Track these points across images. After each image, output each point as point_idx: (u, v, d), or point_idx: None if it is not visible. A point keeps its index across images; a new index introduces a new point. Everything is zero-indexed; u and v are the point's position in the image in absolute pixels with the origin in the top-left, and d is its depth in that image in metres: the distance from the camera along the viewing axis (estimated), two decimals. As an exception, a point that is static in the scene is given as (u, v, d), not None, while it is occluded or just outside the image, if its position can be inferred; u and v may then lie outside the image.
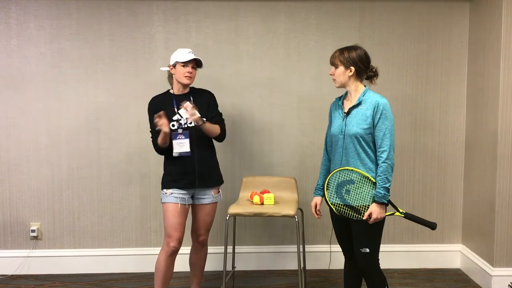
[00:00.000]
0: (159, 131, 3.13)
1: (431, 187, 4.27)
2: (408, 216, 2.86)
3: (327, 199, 2.88)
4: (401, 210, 2.86)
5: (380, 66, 4.12)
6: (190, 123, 3.20)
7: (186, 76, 3.21)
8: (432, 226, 2.85)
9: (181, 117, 3.21)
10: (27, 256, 4.16)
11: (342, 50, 2.83)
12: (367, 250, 2.80)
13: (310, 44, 4.15)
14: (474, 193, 4.07)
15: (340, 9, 4.12)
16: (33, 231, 4.13)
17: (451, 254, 4.31)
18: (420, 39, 4.16)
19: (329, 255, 4.14)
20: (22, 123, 4.09)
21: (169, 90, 3.35)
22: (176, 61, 3.21)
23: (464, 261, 4.22)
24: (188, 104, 3.09)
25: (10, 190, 4.13)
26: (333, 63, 2.87)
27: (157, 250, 4.07)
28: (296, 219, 3.33)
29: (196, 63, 3.25)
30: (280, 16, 4.12)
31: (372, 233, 2.81)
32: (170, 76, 3.35)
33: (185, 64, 3.19)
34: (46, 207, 4.16)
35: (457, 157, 4.25)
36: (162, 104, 3.24)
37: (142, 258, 4.20)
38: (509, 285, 3.70)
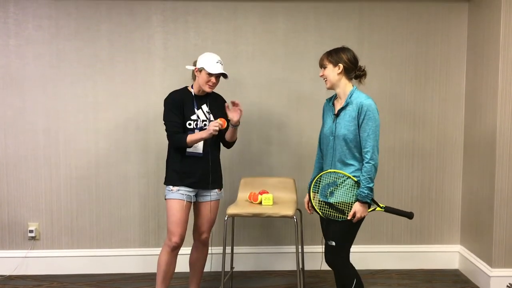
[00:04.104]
0: (177, 126, 3.19)
1: (429, 187, 4.27)
2: (388, 210, 2.90)
3: (314, 204, 2.91)
4: (381, 205, 2.89)
5: (378, 66, 4.14)
6: (205, 125, 3.27)
7: (209, 85, 3.24)
8: (409, 216, 2.90)
9: (198, 118, 3.25)
10: (25, 257, 4.15)
11: (329, 52, 2.92)
12: (333, 243, 2.84)
13: (308, 44, 4.14)
14: (472, 193, 4.07)
15: (338, 10, 4.12)
16: (31, 231, 4.12)
17: (449, 255, 4.31)
18: (419, 39, 4.17)
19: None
20: (20, 123, 4.09)
21: (187, 87, 3.35)
22: (203, 68, 3.20)
23: (463, 262, 4.21)
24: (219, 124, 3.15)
25: (8, 190, 4.12)
26: (321, 65, 2.94)
27: (155, 250, 4.06)
28: (295, 220, 3.33)
29: (221, 74, 3.26)
30: (279, 16, 4.12)
31: (345, 228, 2.84)
32: (194, 75, 3.32)
33: (211, 74, 3.21)
34: (44, 207, 4.15)
35: (455, 157, 4.25)
36: (182, 101, 3.26)
37: (141, 259, 4.19)
38: (507, 286, 3.70)
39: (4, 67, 4.05)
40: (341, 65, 2.85)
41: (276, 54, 4.15)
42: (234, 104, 3.29)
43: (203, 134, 3.16)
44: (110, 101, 4.11)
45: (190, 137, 3.17)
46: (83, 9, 4.04)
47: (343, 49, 2.90)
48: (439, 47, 4.18)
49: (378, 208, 2.89)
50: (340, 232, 2.85)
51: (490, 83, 3.78)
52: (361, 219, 2.85)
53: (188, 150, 3.24)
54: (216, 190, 3.39)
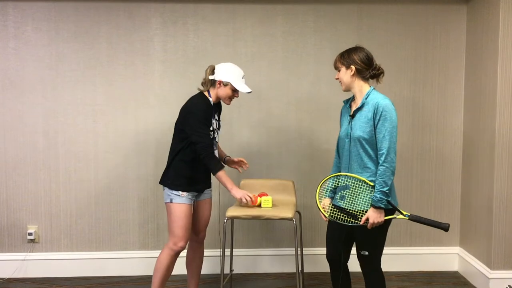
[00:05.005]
0: (209, 135, 3.17)
1: (428, 189, 4.27)
2: (413, 218, 2.73)
3: (319, 205, 2.86)
4: (404, 213, 2.75)
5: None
6: (217, 134, 3.33)
7: (230, 99, 3.27)
8: (443, 227, 2.70)
9: (214, 128, 3.26)
10: (24, 259, 4.15)
11: (342, 53, 2.85)
12: (366, 253, 2.79)
13: (308, 46, 4.15)
14: (472, 195, 4.08)
15: (337, 12, 4.13)
16: (30, 234, 4.12)
17: (449, 257, 4.31)
18: (418, 41, 4.17)
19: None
20: (19, 126, 4.09)
21: (203, 93, 3.27)
22: (230, 83, 3.19)
23: (462, 264, 4.22)
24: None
25: (7, 192, 4.12)
26: (336, 67, 2.88)
27: (154, 253, 4.06)
28: (294, 222, 3.33)
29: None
30: (278, 19, 4.13)
31: (373, 236, 2.78)
32: (212, 84, 3.25)
33: (236, 90, 3.22)
34: (43, 210, 4.15)
35: (455, 159, 4.26)
36: (209, 111, 3.21)
37: (140, 261, 4.19)
38: (507, 288, 3.70)
39: (3, 70, 4.05)
40: (353, 67, 2.77)
41: (275, 57, 4.16)
42: (241, 163, 3.42)
43: (231, 187, 3.18)
44: (109, 103, 4.12)
45: (222, 175, 3.15)
46: (82, 11, 4.05)
47: (356, 50, 2.81)
48: (438, 49, 4.18)
49: (400, 216, 2.74)
50: (368, 240, 2.79)
51: (489, 85, 3.79)
52: (386, 224, 2.75)
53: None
54: (210, 188, 3.45)
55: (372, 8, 4.14)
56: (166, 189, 3.26)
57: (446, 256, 4.31)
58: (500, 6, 3.61)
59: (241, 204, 3.30)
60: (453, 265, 4.32)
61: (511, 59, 3.63)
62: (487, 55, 3.82)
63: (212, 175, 3.37)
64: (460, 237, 4.30)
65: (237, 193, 3.21)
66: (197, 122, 3.14)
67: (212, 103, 3.25)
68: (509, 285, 3.70)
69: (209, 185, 3.43)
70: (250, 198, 3.25)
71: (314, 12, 4.13)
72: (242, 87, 3.22)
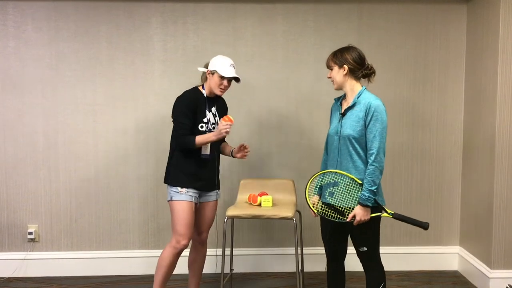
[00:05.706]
0: (187, 128, 3.15)
1: (428, 189, 4.27)
2: (396, 216, 2.80)
3: (309, 202, 2.90)
4: (389, 211, 2.79)
5: (378, 67, 4.10)
6: (214, 128, 3.29)
7: (220, 88, 3.23)
8: (424, 226, 2.79)
9: (209, 121, 3.26)
10: (24, 259, 4.15)
11: (335, 52, 2.88)
12: (365, 248, 2.83)
13: (308, 46, 4.15)
14: (472, 194, 4.08)
15: (338, 11, 4.13)
16: (30, 233, 4.12)
17: (449, 256, 4.31)
18: (418, 40, 4.17)
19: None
20: (19, 125, 4.09)
21: (198, 87, 3.31)
22: (216, 71, 3.19)
23: (462, 263, 4.22)
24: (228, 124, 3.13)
25: (7, 192, 4.12)
26: (328, 66, 2.91)
27: (155, 252, 4.06)
28: (294, 221, 3.33)
29: (234, 78, 3.26)
30: (278, 18, 4.13)
31: (367, 233, 2.83)
32: (205, 77, 3.29)
33: (223, 77, 3.20)
34: (44, 209, 4.15)
35: (455, 159, 4.26)
36: (196, 102, 3.23)
37: (140, 261, 4.19)
38: (507, 287, 3.70)
39: (3, 70, 4.05)
40: (346, 67, 2.80)
41: (275, 56, 4.15)
42: (243, 148, 3.33)
43: (212, 136, 3.14)
44: (109, 103, 4.12)
45: (198, 139, 3.14)
46: (82, 11, 4.05)
47: (348, 49, 2.85)
48: (438, 48, 4.18)
49: (385, 214, 2.79)
50: (363, 237, 2.83)
51: (489, 85, 3.79)
52: (377, 220, 2.81)
53: (203, 152, 3.24)
54: (217, 190, 3.43)
55: (372, 8, 4.13)
56: (168, 187, 3.27)
57: (446, 256, 4.31)
58: (500, 6, 3.61)
59: (225, 132, 3.10)
60: (453, 265, 4.32)
61: (511, 59, 3.63)
62: (487, 54, 3.82)
63: (218, 173, 3.40)
64: (460, 237, 4.30)
65: (217, 133, 3.12)
66: (177, 111, 3.21)
67: (205, 95, 3.26)
68: (509, 285, 3.70)
69: (214, 187, 3.39)
70: (228, 124, 3.11)
71: (314, 11, 4.13)
72: (226, 72, 3.17)
